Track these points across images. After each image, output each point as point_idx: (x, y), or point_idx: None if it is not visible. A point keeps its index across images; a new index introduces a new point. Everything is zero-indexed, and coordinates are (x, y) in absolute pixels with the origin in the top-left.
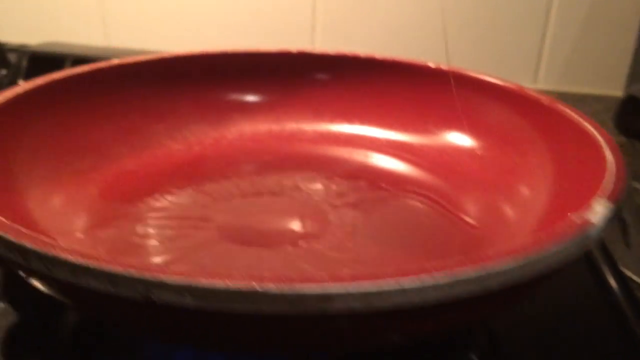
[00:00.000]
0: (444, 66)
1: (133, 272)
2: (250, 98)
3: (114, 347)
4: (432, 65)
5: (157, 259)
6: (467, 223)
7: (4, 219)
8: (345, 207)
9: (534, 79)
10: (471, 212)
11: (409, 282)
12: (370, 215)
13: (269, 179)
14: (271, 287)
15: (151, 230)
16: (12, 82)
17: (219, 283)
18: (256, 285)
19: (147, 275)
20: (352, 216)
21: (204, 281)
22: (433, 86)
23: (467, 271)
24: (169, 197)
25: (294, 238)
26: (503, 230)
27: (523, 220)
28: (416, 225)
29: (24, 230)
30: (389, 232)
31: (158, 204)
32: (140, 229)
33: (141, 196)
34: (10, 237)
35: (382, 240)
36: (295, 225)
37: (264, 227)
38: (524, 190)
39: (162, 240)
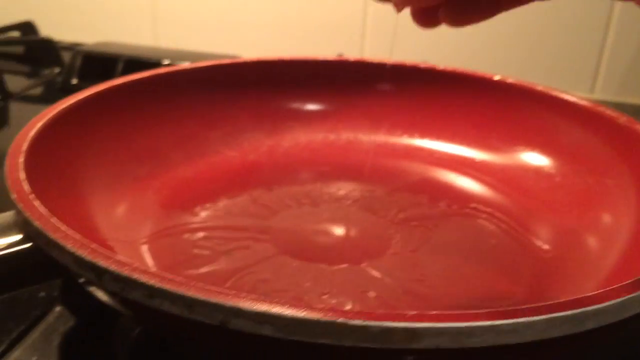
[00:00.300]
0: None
1: (212, 299)
2: (307, 106)
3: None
4: (496, 77)
5: (217, 272)
6: (538, 247)
7: (78, 236)
8: (406, 223)
9: (591, 89)
10: (542, 235)
11: (502, 322)
12: (433, 232)
13: (325, 190)
14: (357, 321)
15: (210, 241)
16: (66, 81)
17: (302, 314)
18: (342, 319)
19: (226, 302)
20: (414, 233)
21: (286, 311)
22: (496, 99)
23: (563, 312)
24: (226, 207)
25: (355, 256)
26: (580, 258)
27: (604, 249)
28: (483, 246)
29: (99, 248)
30: (454, 251)
31: (215, 213)
32: (199, 239)
33: (198, 204)
34: (85, 255)
35: (447, 260)
36: (356, 241)
37: (323, 242)
38: (604, 217)
39: (221, 252)
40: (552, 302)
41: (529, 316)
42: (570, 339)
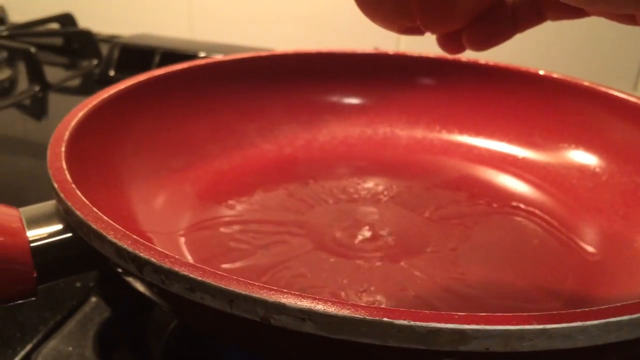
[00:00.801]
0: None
1: (254, 294)
2: (344, 100)
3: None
4: (541, 72)
5: (254, 266)
6: (583, 249)
7: (120, 227)
8: (445, 220)
9: (634, 86)
10: (586, 237)
11: (555, 326)
12: (473, 231)
13: (362, 186)
14: (404, 321)
15: (246, 235)
16: (103, 72)
17: (346, 312)
18: (387, 319)
19: (269, 297)
20: (453, 231)
21: (330, 309)
22: (540, 95)
23: (620, 317)
24: (262, 200)
25: (392, 253)
26: (628, 261)
27: None
28: (524, 246)
29: (140, 239)
30: (494, 250)
31: (251, 207)
32: (235, 232)
33: (234, 197)
34: (127, 246)
35: (488, 260)
36: (393, 238)
37: (359, 238)
38: None
39: (257, 246)
40: (607, 306)
41: (583, 320)
42: (625, 346)
